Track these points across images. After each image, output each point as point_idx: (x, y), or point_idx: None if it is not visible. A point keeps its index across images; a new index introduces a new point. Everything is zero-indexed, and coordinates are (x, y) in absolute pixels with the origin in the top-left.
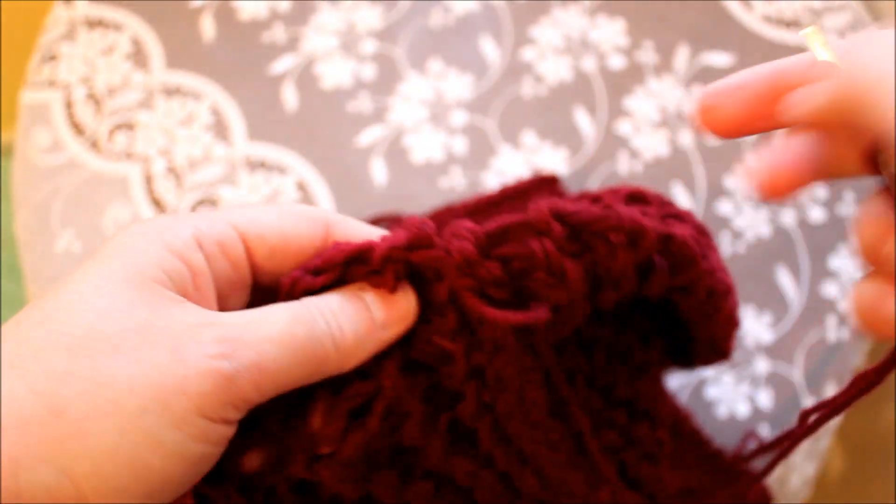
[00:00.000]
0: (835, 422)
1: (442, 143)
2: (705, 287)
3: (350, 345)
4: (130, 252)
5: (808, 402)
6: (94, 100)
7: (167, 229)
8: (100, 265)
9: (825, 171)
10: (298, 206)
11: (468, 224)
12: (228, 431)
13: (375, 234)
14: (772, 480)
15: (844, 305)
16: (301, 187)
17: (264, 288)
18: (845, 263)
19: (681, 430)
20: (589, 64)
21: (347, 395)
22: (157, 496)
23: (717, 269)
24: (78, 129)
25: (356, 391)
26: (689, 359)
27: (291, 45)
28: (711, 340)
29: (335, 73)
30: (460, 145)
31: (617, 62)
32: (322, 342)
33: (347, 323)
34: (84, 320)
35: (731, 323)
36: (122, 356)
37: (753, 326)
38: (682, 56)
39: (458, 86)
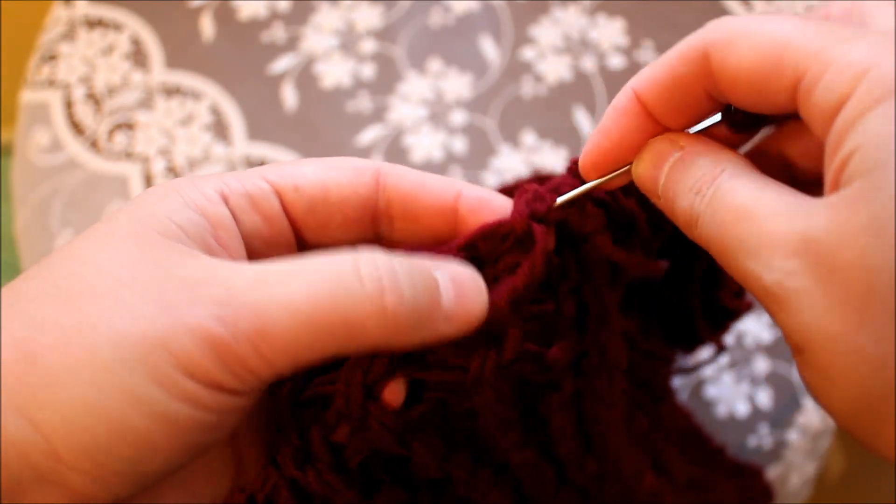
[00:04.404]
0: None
1: (441, 143)
2: None
3: (405, 315)
4: (140, 206)
5: (808, 401)
6: (94, 100)
7: (188, 185)
8: (107, 222)
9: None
10: (345, 158)
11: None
12: (235, 401)
13: (429, 179)
14: (772, 480)
15: None
16: None
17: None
18: None
19: (684, 427)
20: (589, 63)
21: (433, 385)
22: (144, 462)
23: None
24: (78, 128)
25: (442, 380)
26: (690, 338)
27: (291, 44)
28: (720, 301)
29: (335, 72)
30: (460, 145)
31: (617, 62)
32: (358, 307)
33: (409, 289)
34: (73, 271)
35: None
36: (107, 307)
37: (753, 326)
38: None
39: (458, 85)
